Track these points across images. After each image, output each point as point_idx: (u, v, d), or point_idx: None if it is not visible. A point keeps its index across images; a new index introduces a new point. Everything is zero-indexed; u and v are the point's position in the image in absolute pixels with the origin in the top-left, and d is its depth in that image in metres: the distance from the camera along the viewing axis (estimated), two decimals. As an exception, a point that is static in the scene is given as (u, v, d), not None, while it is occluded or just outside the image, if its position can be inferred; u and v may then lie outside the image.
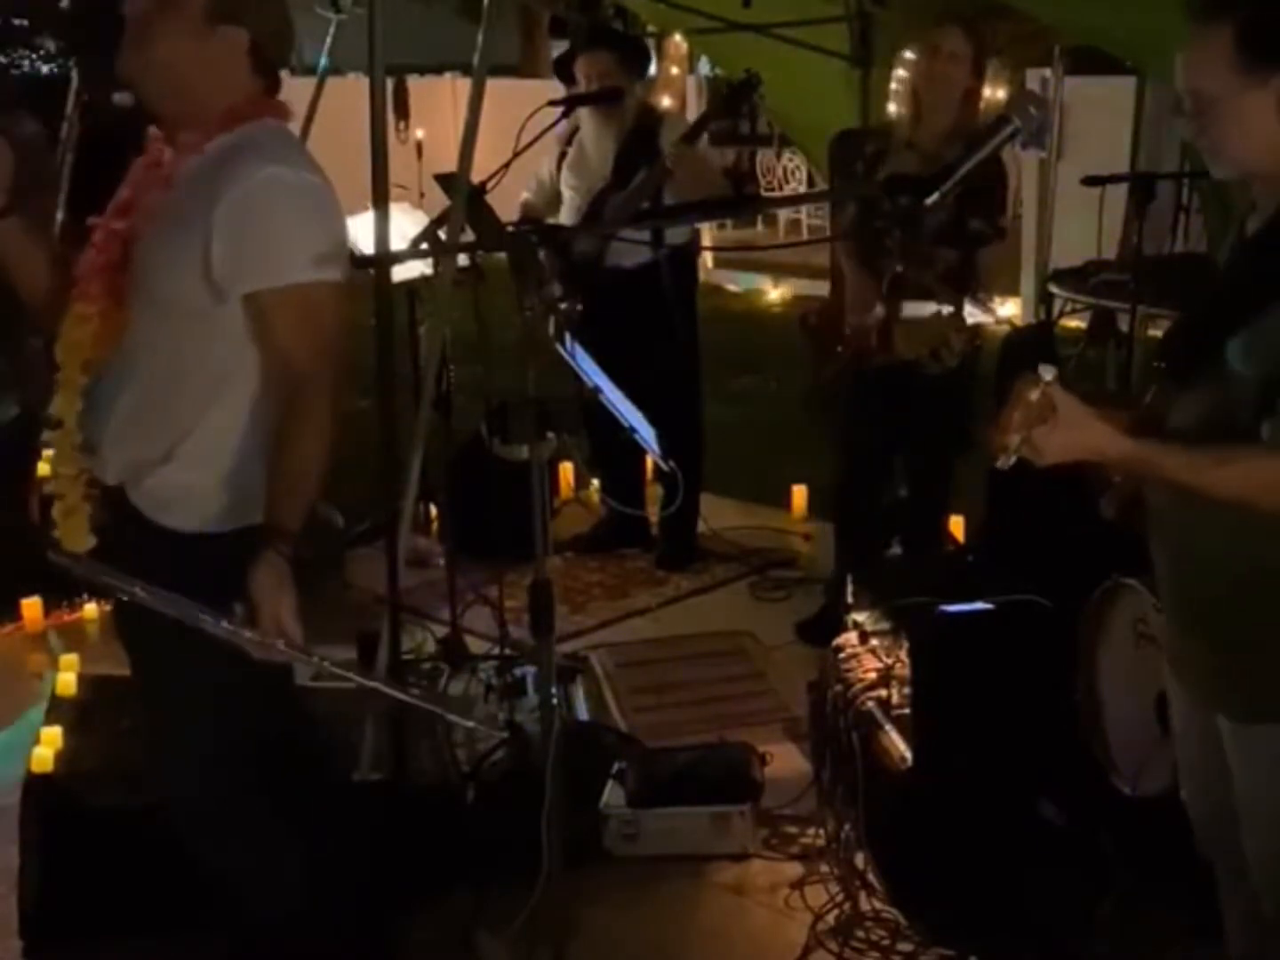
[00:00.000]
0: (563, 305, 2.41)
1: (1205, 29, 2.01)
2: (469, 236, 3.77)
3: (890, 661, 3.41)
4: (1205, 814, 2.37)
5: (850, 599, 3.69)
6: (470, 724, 2.54)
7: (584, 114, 5.02)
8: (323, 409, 2.40)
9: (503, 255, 2.36)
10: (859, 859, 3.35)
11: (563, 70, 5.16)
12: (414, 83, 12.63)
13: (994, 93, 4.41)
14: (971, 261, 4.16)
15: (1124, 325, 5.26)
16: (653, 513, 5.49)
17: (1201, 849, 2.41)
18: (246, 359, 2.42)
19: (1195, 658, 2.23)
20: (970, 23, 4.22)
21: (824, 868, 3.41)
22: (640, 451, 4.61)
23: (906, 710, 3.28)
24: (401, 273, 4.53)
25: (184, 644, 2.35)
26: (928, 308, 4.11)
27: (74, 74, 5.32)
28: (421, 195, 5.79)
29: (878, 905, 3.25)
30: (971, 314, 4.17)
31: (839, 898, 3.29)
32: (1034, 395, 1.95)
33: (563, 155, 5.15)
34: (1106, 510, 2.32)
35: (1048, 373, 1.95)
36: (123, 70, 2.42)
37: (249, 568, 2.31)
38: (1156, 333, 5.03)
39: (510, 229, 4.12)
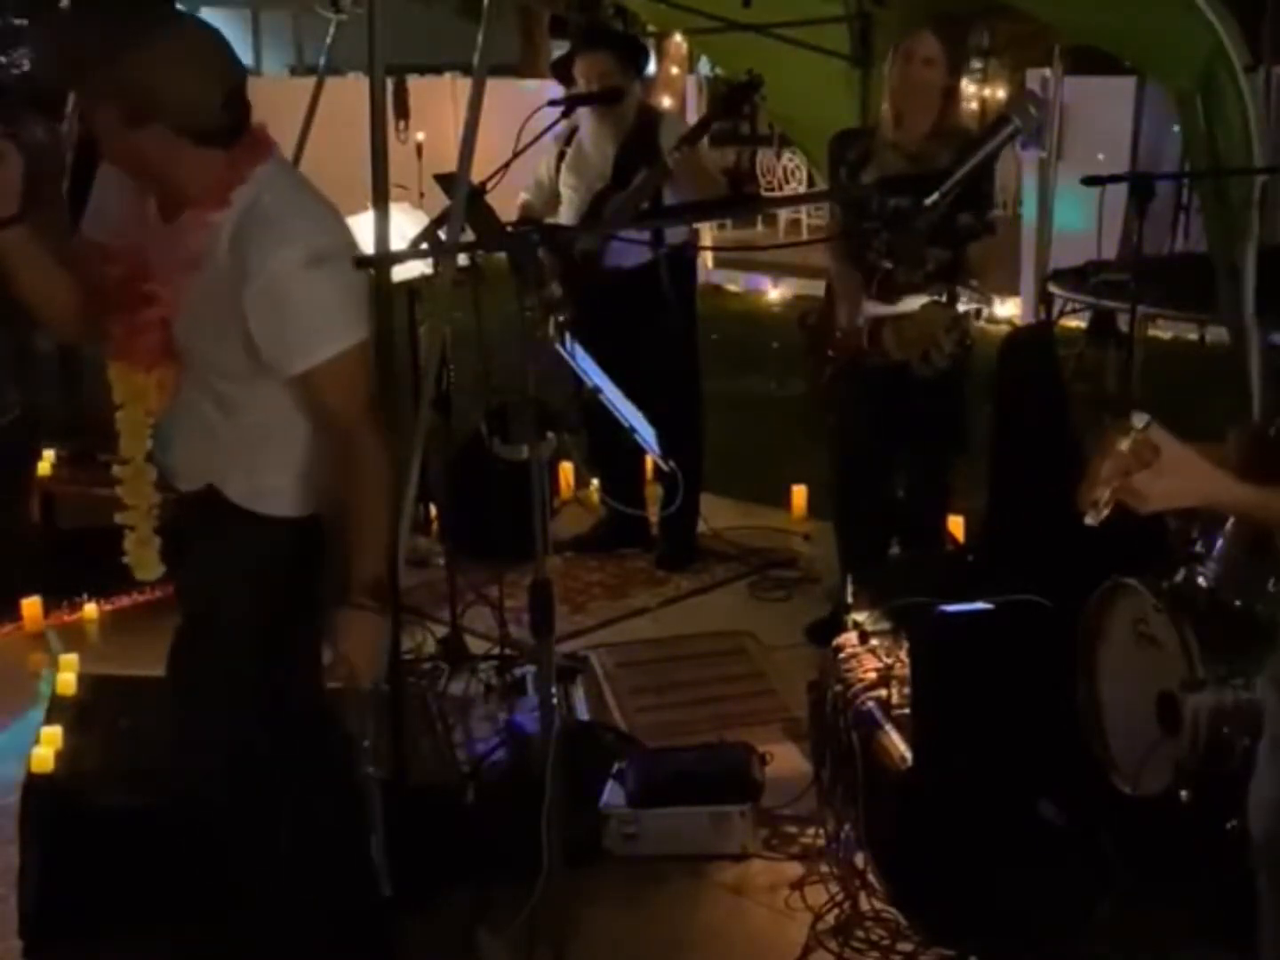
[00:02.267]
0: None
1: None
2: (469, 236, 3.77)
3: (890, 661, 3.41)
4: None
5: (850, 599, 3.69)
6: None
7: (583, 114, 5.02)
8: (377, 450, 2.53)
9: (503, 255, 2.36)
10: (859, 859, 3.35)
11: (561, 71, 5.15)
12: (414, 83, 12.64)
13: (994, 93, 4.41)
14: (961, 257, 4.18)
15: (1124, 325, 5.26)
16: (653, 513, 5.49)
17: (1256, 860, 2.34)
18: (296, 395, 2.54)
19: None
20: (942, 26, 4.23)
21: (824, 868, 3.40)
22: (640, 451, 4.60)
23: (906, 710, 3.28)
24: (401, 273, 4.52)
25: (219, 630, 2.57)
26: (919, 299, 4.14)
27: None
28: (421, 195, 5.79)
29: (878, 905, 3.25)
30: (967, 303, 4.19)
31: (839, 898, 3.28)
32: (1124, 445, 1.79)
33: (561, 155, 5.14)
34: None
35: (1140, 420, 1.78)
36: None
37: (337, 617, 2.51)
38: (1157, 333, 5.02)
39: (510, 229, 4.13)
